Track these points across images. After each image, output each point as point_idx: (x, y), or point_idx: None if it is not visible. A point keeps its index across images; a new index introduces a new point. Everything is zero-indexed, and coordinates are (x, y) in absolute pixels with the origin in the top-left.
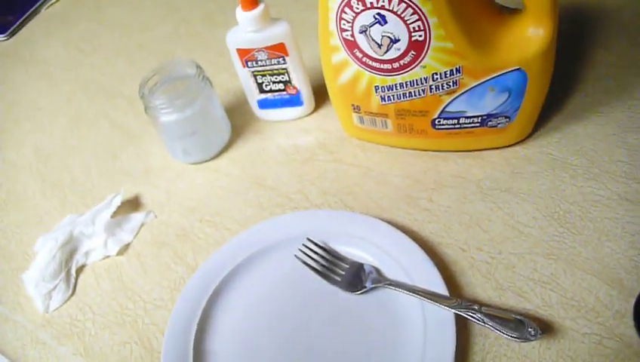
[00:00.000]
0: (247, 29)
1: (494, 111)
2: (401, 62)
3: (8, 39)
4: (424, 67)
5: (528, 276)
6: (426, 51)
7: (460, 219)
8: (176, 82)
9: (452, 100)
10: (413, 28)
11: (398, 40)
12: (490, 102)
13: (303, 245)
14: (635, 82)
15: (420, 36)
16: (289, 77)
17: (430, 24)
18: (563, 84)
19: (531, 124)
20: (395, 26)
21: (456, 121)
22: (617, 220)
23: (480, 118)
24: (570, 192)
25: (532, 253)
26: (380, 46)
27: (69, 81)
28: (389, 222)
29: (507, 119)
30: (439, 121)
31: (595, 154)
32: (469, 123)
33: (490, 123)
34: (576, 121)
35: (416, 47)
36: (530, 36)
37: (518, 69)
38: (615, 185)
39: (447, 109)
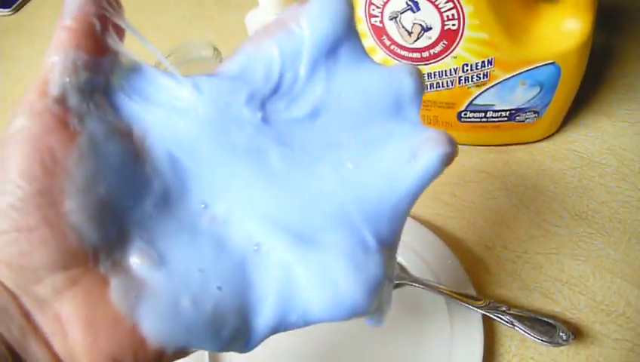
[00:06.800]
0: (270, 11)
1: (523, 106)
2: (432, 51)
3: (13, 14)
4: (455, 57)
5: (556, 277)
6: (459, 41)
7: (484, 216)
8: (191, 64)
9: (481, 93)
10: (447, 16)
11: (430, 28)
12: (520, 97)
13: None
14: None
15: (454, 25)
16: None
17: (465, 13)
18: (592, 80)
19: (560, 120)
20: (428, 14)
21: (483, 114)
22: None
23: (508, 113)
24: (598, 192)
25: (559, 253)
26: (410, 34)
27: None
28: (412, 217)
29: (536, 114)
30: (465, 114)
31: (624, 153)
32: (497, 117)
33: (518, 118)
34: (605, 119)
35: (449, 37)
36: (566, 29)
37: (552, 63)
38: None
39: (475, 102)
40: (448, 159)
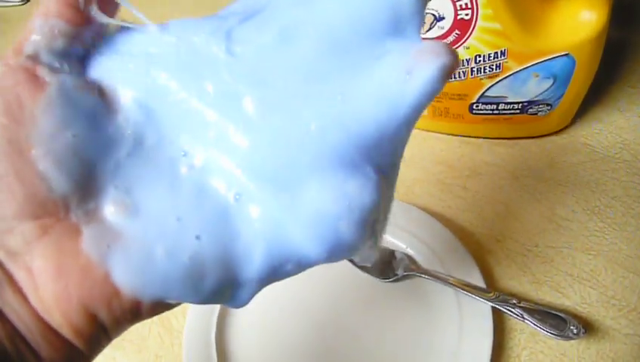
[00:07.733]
0: None
1: (536, 98)
2: (444, 41)
3: (24, 4)
4: (468, 48)
5: (567, 271)
6: (471, 31)
7: (495, 209)
8: None
9: (493, 84)
10: (460, 6)
11: (443, 18)
12: (533, 89)
13: None
14: None
15: (467, 15)
16: None
17: (478, 2)
18: (606, 73)
19: (572, 113)
20: (440, 3)
21: (495, 106)
22: None
23: (520, 105)
24: (611, 186)
25: (571, 247)
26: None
27: None
28: (422, 209)
29: (548, 107)
30: (477, 106)
31: (638, 148)
32: (509, 109)
33: (530, 110)
34: (619, 113)
35: (461, 27)
36: (581, 20)
37: (566, 55)
38: None
39: (486, 94)
40: (448, 71)
